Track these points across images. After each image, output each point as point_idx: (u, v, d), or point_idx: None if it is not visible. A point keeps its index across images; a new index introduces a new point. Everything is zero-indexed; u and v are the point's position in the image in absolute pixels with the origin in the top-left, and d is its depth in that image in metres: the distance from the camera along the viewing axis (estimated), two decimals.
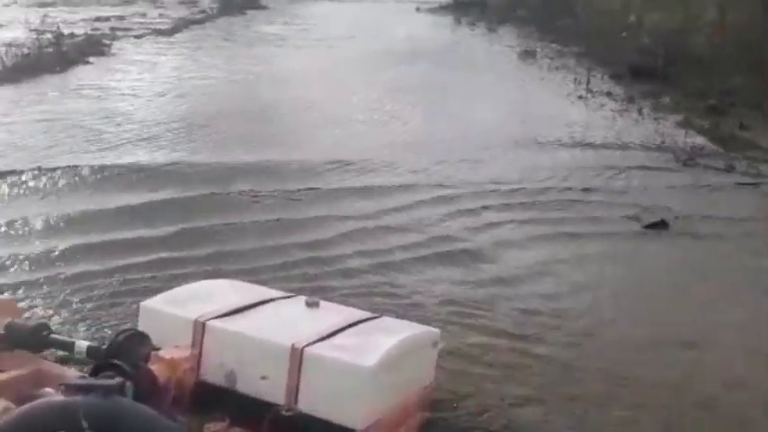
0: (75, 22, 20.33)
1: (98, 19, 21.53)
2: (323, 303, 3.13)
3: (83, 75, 12.36)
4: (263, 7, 27.87)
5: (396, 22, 21.35)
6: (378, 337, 2.91)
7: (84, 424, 1.85)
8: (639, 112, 11.04)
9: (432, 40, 18.16)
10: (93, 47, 14.79)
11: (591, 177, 7.52)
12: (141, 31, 18.15)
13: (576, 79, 13.11)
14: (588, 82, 12.68)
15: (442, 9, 26.67)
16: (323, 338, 2.82)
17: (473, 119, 9.82)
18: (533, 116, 10.32)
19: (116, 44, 15.84)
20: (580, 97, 11.94)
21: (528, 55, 16.10)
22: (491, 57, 16.05)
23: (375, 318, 3.09)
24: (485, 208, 6.17)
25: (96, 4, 28.53)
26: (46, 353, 2.83)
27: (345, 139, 8.63)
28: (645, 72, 12.81)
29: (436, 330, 3.19)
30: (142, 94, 10.84)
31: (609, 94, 12.20)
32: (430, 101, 11.05)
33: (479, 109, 10.41)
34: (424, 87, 11.93)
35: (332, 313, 3.06)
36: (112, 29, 18.39)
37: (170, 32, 18.27)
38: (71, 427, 1.86)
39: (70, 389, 1.98)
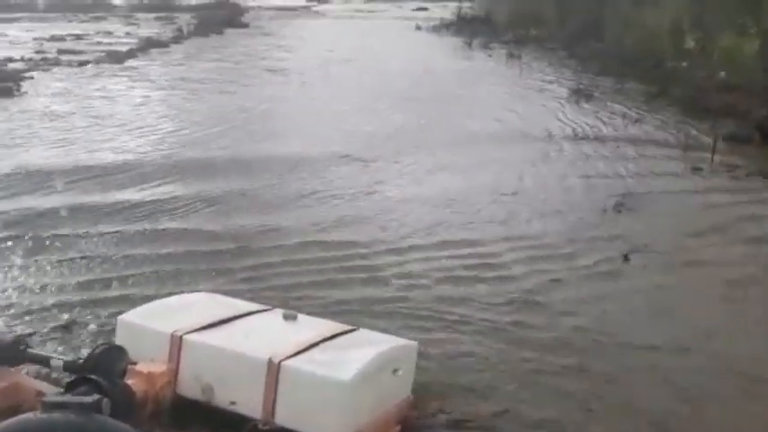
0: (25, 41, 18.78)
1: (53, 38, 19.87)
2: (300, 316, 3.18)
3: None
4: (244, 25, 27.28)
5: (395, 47, 18.32)
6: (355, 350, 2.96)
7: None
8: None
9: (445, 72, 14.72)
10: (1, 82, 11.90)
11: None
12: (90, 56, 16.41)
13: (684, 142, 9.03)
14: (714, 151, 8.36)
15: (445, 27, 24.62)
16: (300, 352, 2.87)
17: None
18: None
19: (39, 77, 13.08)
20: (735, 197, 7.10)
21: (581, 96, 12.04)
22: (531, 99, 12.12)
23: (352, 330, 3.15)
24: None
25: (66, 20, 28.00)
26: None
27: None
28: None
29: (414, 343, 3.23)
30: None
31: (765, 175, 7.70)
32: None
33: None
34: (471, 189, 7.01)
35: (309, 326, 3.11)
36: (60, 51, 16.82)
37: (123, 57, 16.40)
38: None
39: (46, 406, 1.99)
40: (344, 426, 2.76)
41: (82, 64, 15.23)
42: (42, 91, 11.84)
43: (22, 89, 11.76)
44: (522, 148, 8.77)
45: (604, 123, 10.30)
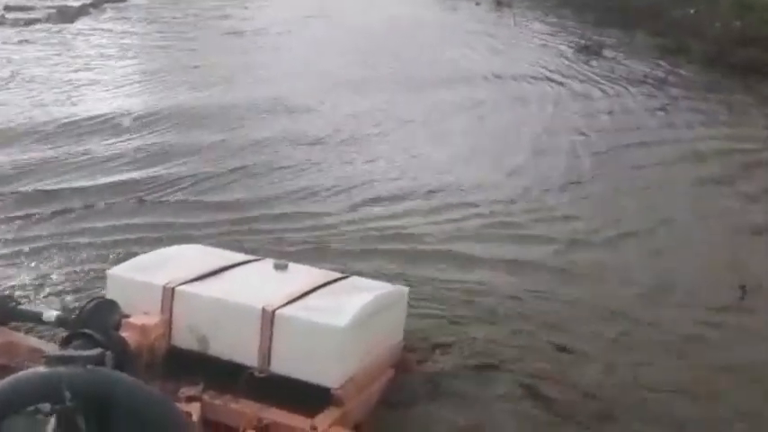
0: None
1: None
2: (291, 265, 3.25)
3: None
4: None
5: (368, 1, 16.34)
6: (348, 296, 3.04)
7: (68, 395, 1.89)
8: None
9: (430, 26, 13.43)
10: None
11: None
12: (39, 13, 14.60)
13: (727, 108, 8.02)
14: None
15: None
16: (293, 300, 2.94)
17: None
18: None
19: None
20: None
21: (590, 53, 10.79)
22: (534, 57, 10.78)
23: (344, 278, 3.23)
24: None
25: None
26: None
27: None
28: None
29: (405, 288, 3.33)
30: None
31: None
32: None
33: None
34: None
35: (301, 275, 3.17)
36: (7, 8, 14.82)
37: (74, 15, 14.59)
38: (54, 399, 1.91)
39: (50, 360, 2.01)
40: (340, 371, 2.84)
41: (29, 23, 13.83)
42: None
43: None
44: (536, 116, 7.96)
45: (624, 87, 9.16)
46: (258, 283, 3.08)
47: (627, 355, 3.68)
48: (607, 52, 10.96)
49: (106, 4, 16.46)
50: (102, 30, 13.44)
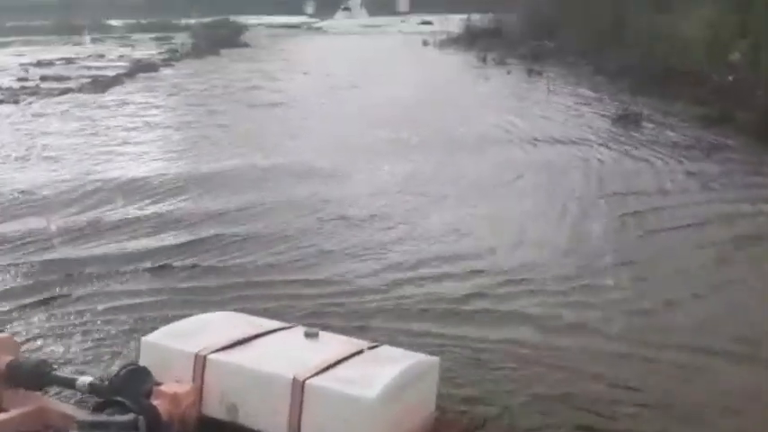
0: (10, 68, 18.05)
1: (40, 63, 19.44)
2: (322, 334, 3.25)
3: None
4: (244, 45, 27.45)
5: (405, 68, 16.96)
6: (379, 367, 3.03)
7: None
8: None
9: (466, 97, 13.52)
10: None
11: None
12: (73, 83, 15.28)
13: None
14: None
15: (453, 42, 24.64)
16: (324, 370, 2.94)
17: None
18: None
19: None
20: None
21: (629, 123, 10.69)
22: (573, 127, 10.67)
23: (375, 347, 3.22)
24: None
25: (61, 42, 28.03)
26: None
27: None
28: None
29: (436, 359, 3.29)
30: None
31: None
32: None
33: None
34: None
35: (331, 343, 3.18)
36: (43, 78, 16.05)
37: (107, 85, 15.17)
38: None
39: (84, 426, 2.05)
40: None
41: (62, 92, 14.34)
42: None
43: None
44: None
45: (670, 156, 8.79)
46: (289, 352, 3.09)
47: None
48: (648, 122, 10.80)
49: (139, 74, 17.49)
50: (133, 103, 13.49)
